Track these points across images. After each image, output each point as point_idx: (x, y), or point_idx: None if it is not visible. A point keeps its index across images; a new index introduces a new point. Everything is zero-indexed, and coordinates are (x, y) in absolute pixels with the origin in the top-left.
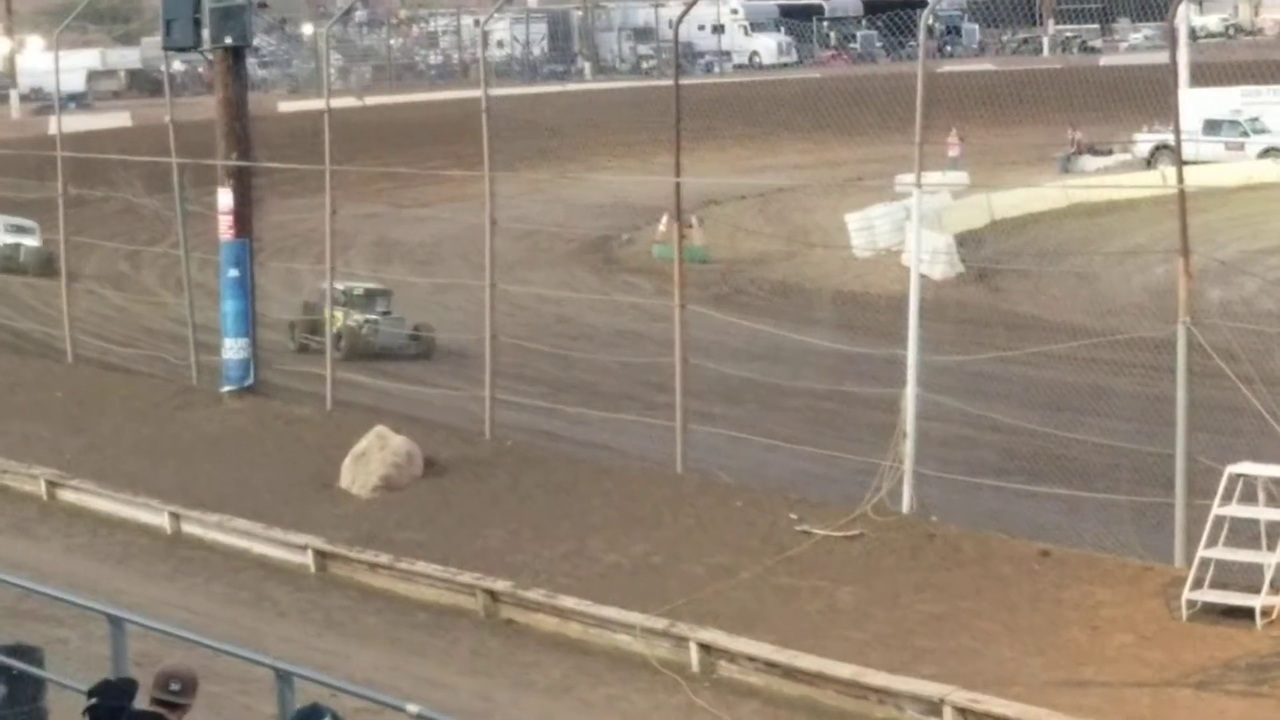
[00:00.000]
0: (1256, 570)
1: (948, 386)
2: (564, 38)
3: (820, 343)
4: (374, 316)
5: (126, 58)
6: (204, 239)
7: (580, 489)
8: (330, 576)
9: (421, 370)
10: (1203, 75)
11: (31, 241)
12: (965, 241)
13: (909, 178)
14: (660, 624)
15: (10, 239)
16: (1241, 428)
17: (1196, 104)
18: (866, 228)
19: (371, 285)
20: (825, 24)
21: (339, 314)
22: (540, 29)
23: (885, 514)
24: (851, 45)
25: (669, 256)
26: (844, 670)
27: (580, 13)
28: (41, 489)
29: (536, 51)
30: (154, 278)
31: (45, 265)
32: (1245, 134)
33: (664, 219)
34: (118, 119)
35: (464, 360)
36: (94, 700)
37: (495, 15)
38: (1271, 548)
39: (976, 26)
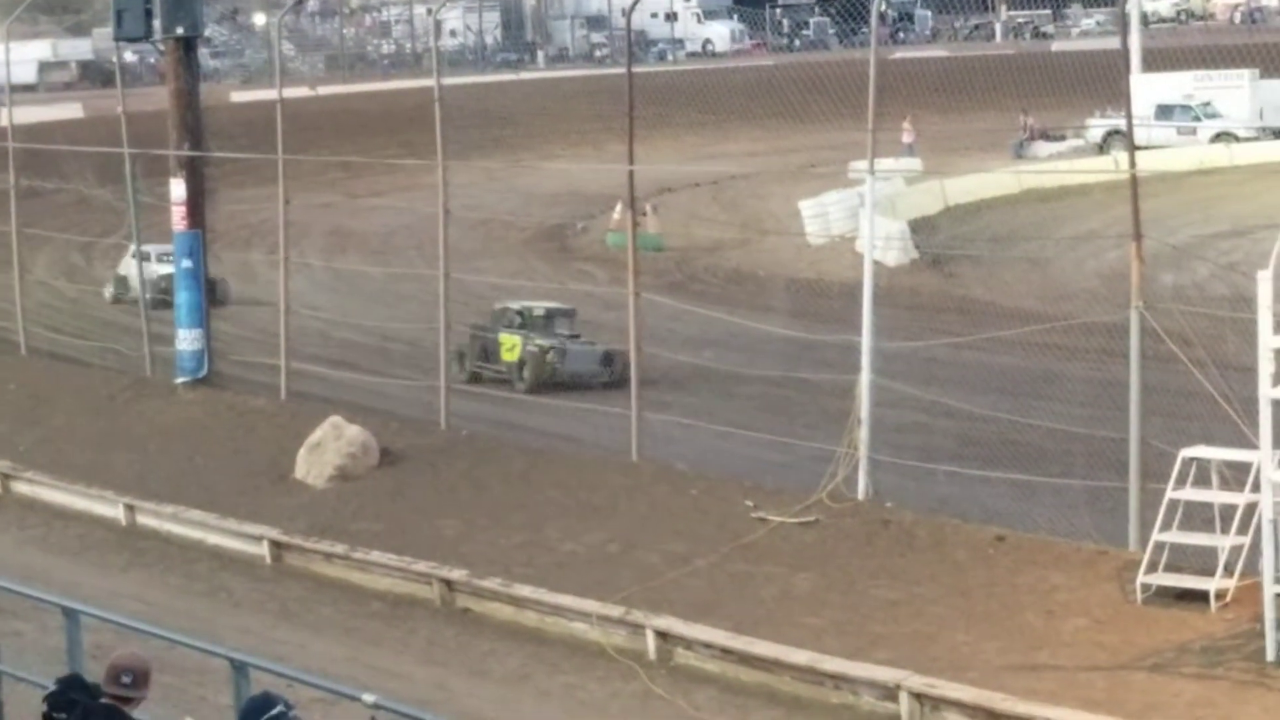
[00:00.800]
0: (1210, 554)
1: (902, 372)
2: (517, 26)
3: (775, 330)
4: (557, 341)
5: (78, 48)
6: (157, 230)
7: (536, 478)
8: (285, 567)
9: (377, 360)
10: (1155, 60)
11: None
12: (919, 228)
13: (862, 164)
14: (616, 612)
15: (165, 269)
16: (1194, 412)
17: (1149, 89)
18: (820, 215)
19: (552, 304)
20: (778, 11)
21: (516, 339)
22: (493, 17)
23: (840, 500)
24: (804, 32)
25: (623, 245)
26: (800, 656)
27: (533, 1)
28: None
29: (490, 40)
30: (107, 269)
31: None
32: (1197, 119)
33: (618, 207)
34: (69, 110)
35: (417, 350)
36: (55, 687)
37: (447, 4)
38: (1225, 531)
39: (929, 13)
